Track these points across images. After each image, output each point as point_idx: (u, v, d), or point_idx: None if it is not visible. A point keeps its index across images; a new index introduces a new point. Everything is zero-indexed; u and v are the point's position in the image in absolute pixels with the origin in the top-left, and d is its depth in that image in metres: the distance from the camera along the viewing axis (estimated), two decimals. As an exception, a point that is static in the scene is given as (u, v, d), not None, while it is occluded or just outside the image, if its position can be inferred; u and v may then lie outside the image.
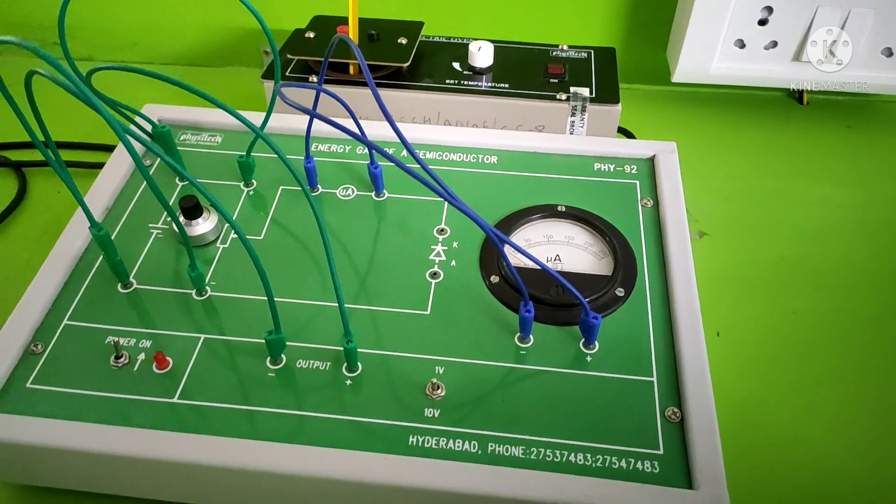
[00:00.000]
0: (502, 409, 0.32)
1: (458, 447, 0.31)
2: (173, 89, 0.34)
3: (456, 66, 0.52)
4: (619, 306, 0.36)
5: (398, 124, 0.46)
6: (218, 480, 0.31)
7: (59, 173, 0.33)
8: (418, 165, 0.31)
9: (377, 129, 0.41)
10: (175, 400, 0.33)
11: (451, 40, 0.55)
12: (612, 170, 0.43)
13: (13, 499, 0.36)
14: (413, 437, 0.31)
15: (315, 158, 0.42)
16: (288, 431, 0.32)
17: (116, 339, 0.35)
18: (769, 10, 0.54)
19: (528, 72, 0.52)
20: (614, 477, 0.30)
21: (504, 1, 0.61)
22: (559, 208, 0.41)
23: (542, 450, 0.31)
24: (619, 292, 0.37)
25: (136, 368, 0.34)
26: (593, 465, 0.30)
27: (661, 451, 0.31)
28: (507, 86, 0.50)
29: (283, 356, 0.34)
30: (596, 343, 0.35)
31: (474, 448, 0.31)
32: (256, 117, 0.42)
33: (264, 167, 0.43)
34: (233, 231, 0.40)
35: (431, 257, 0.39)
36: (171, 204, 0.41)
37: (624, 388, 0.33)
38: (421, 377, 0.33)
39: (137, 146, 0.42)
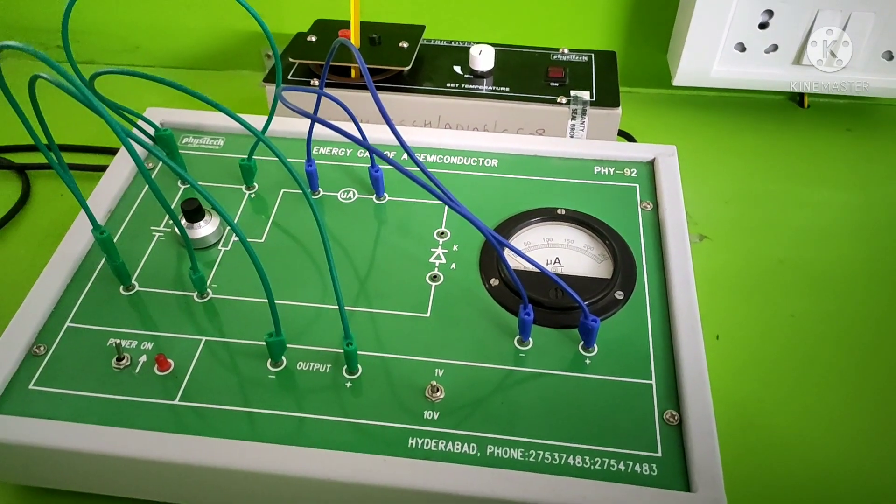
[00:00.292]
0: (501, 412, 0.32)
1: (458, 449, 0.31)
2: (176, 92, 0.35)
3: (457, 69, 0.52)
4: (618, 309, 0.36)
5: (399, 128, 0.46)
6: (218, 482, 0.31)
7: (62, 176, 0.33)
8: (418, 169, 0.32)
9: (378, 133, 0.41)
10: (176, 402, 0.33)
11: (453, 44, 0.55)
12: (612, 173, 0.44)
13: (15, 499, 0.36)
14: (412, 440, 0.31)
15: (316, 161, 0.43)
16: (288, 433, 0.32)
17: (118, 341, 0.35)
18: (769, 13, 0.54)
19: (528, 75, 0.52)
20: (612, 479, 0.30)
21: (505, 4, 0.61)
22: (559, 211, 0.41)
23: (541, 452, 0.31)
24: (619, 295, 0.37)
25: (137, 370, 0.34)
26: (592, 467, 0.30)
27: (659, 454, 0.31)
28: (507, 89, 0.50)
29: (283, 358, 0.34)
30: (595, 346, 0.35)
31: (473, 450, 0.31)
32: (258, 121, 0.42)
33: (266, 170, 0.43)
34: (234, 234, 0.40)
35: (432, 260, 0.39)
36: (173, 207, 0.42)
37: (623, 391, 0.33)
38: (420, 379, 0.34)
39: (140, 150, 0.42)
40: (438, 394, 0.33)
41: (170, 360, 0.34)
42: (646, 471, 0.30)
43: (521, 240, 0.40)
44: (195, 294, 0.37)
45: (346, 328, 0.32)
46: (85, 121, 0.46)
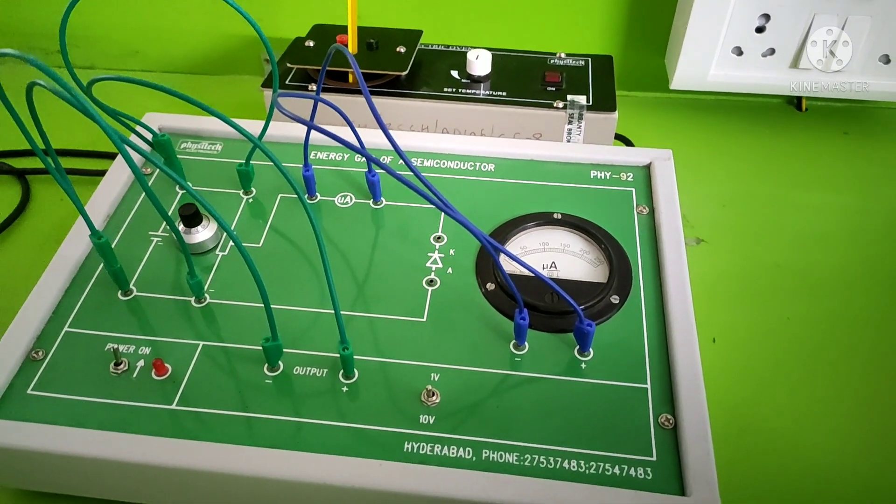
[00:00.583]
0: (497, 416, 0.32)
1: (453, 454, 0.31)
2: (175, 97, 0.35)
3: (454, 74, 0.53)
4: (613, 313, 0.37)
5: (396, 132, 0.46)
6: (216, 486, 0.32)
7: (60, 182, 0.33)
8: (414, 175, 0.32)
9: (375, 137, 0.41)
10: (174, 406, 0.33)
11: (450, 48, 0.56)
12: (608, 177, 0.44)
13: (14, 504, 0.36)
14: (408, 444, 0.32)
15: (314, 166, 0.43)
16: (285, 437, 0.32)
17: (116, 345, 0.35)
18: (766, 17, 0.55)
19: (525, 80, 0.52)
20: (607, 483, 0.30)
21: (502, 9, 0.61)
22: (555, 216, 0.41)
23: (536, 456, 0.31)
24: (614, 299, 0.37)
25: (135, 375, 0.34)
26: (587, 471, 0.31)
27: (654, 458, 0.31)
28: (504, 94, 0.51)
29: (280, 363, 0.35)
30: (590, 350, 0.35)
31: (469, 454, 0.31)
32: (256, 126, 0.42)
33: (263, 175, 0.44)
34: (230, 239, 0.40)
35: (428, 265, 0.39)
36: (171, 211, 0.42)
37: (618, 395, 0.33)
38: (416, 384, 0.34)
39: (137, 156, 0.42)
40: (434, 398, 0.33)
41: (167, 365, 0.34)
42: (641, 475, 0.30)
43: (517, 244, 0.40)
44: (193, 299, 0.37)
45: (342, 333, 0.32)
46: (84, 125, 0.46)
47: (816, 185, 0.56)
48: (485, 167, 0.44)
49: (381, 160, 0.44)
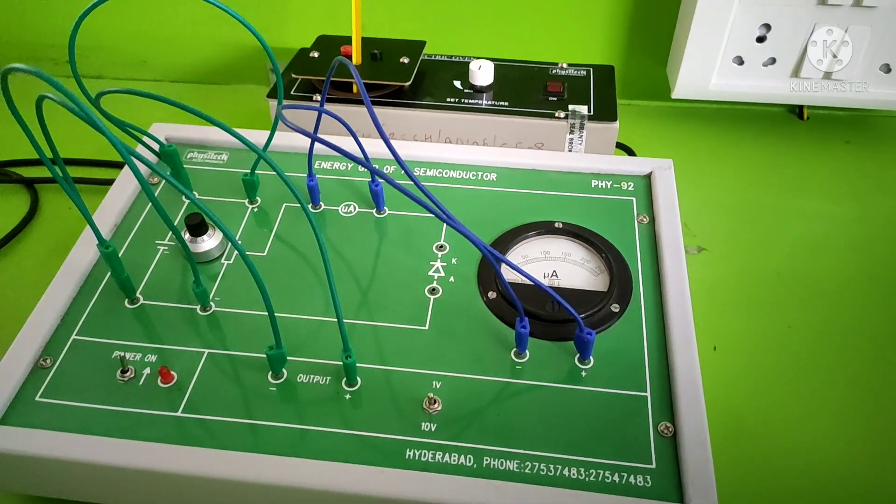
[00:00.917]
0: (498, 424, 0.33)
1: (454, 461, 0.32)
2: (182, 107, 0.36)
3: (457, 84, 0.53)
4: (614, 322, 0.37)
5: (400, 142, 0.47)
6: (220, 492, 0.32)
7: (69, 192, 0.34)
8: (417, 186, 0.32)
9: (379, 147, 0.41)
10: (179, 413, 0.33)
11: (453, 59, 0.56)
12: (609, 186, 0.44)
13: (22, 509, 0.37)
14: (410, 451, 0.32)
15: (318, 176, 0.43)
16: (289, 444, 0.32)
17: (123, 353, 0.36)
18: (767, 27, 0.55)
19: (527, 90, 0.52)
20: (607, 491, 0.30)
21: (505, 19, 0.62)
22: (556, 225, 0.41)
23: (537, 464, 0.31)
24: (615, 308, 0.37)
25: (141, 382, 0.35)
26: (587, 479, 0.31)
27: (653, 466, 0.31)
28: (506, 104, 0.51)
29: (284, 370, 0.35)
30: (591, 358, 0.35)
31: (470, 462, 0.32)
32: (262, 136, 0.43)
33: (268, 185, 0.44)
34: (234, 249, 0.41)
35: (430, 273, 0.39)
36: (178, 220, 0.43)
37: (618, 403, 0.34)
38: (418, 391, 0.34)
39: (144, 167, 0.43)
40: (436, 406, 0.33)
41: (173, 373, 0.35)
42: (640, 482, 0.31)
43: (518, 253, 0.40)
44: (198, 307, 0.38)
45: (345, 341, 0.33)
46: (92, 135, 0.46)
47: (818, 193, 0.56)
48: (487, 176, 0.45)
49: (384, 170, 0.45)
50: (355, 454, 0.32)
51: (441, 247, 0.41)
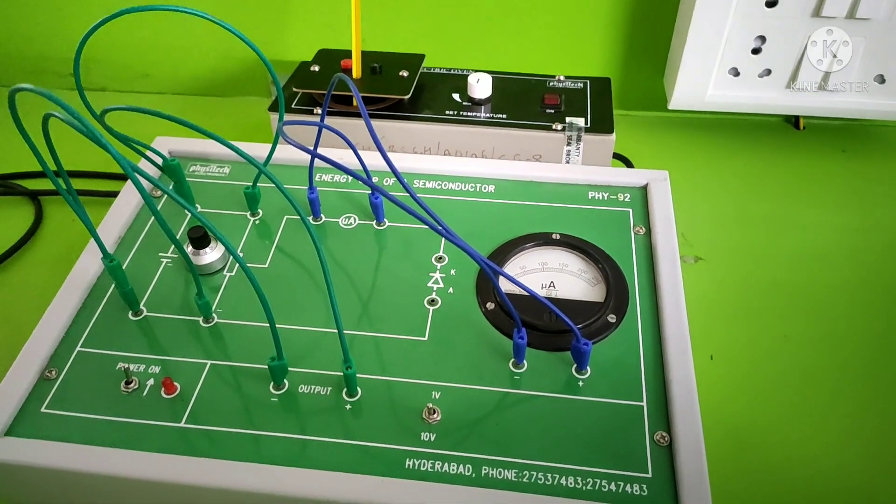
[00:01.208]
0: (496, 433, 0.33)
1: (454, 470, 0.32)
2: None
3: (455, 97, 0.54)
4: (610, 332, 0.37)
5: (399, 154, 0.48)
6: (223, 502, 0.32)
7: (73, 206, 0.34)
8: (415, 200, 0.33)
9: (380, 160, 0.42)
10: (182, 424, 0.34)
11: (451, 72, 0.57)
12: (605, 198, 0.45)
13: (27, 519, 0.37)
14: (410, 461, 0.32)
15: (318, 188, 0.44)
16: (290, 454, 0.33)
17: (127, 365, 0.36)
18: (762, 39, 0.56)
19: (525, 102, 0.53)
20: (604, 500, 0.31)
21: (503, 32, 0.63)
22: (554, 236, 0.42)
23: (535, 473, 0.32)
24: (611, 318, 0.38)
25: (145, 393, 0.35)
26: (583, 488, 0.31)
27: (649, 475, 0.32)
28: (504, 116, 0.52)
29: (285, 381, 0.35)
30: (588, 368, 0.36)
31: (468, 471, 0.32)
32: (264, 149, 0.43)
33: (270, 197, 0.45)
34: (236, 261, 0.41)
35: (430, 284, 0.40)
36: (181, 232, 0.43)
37: (614, 413, 0.34)
38: (418, 402, 0.35)
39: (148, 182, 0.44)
40: (435, 416, 0.34)
41: (176, 384, 0.35)
42: (636, 491, 0.31)
43: (516, 264, 0.41)
44: (201, 319, 0.38)
45: (345, 352, 0.33)
46: (97, 147, 0.47)
47: (814, 202, 0.57)
48: (485, 188, 0.46)
49: (383, 182, 0.45)
50: (356, 464, 0.32)
51: (440, 258, 0.41)
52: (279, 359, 0.34)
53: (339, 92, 0.52)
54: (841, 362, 0.45)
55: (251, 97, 0.69)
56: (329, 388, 0.35)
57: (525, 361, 0.36)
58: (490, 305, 0.39)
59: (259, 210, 0.44)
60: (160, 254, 0.42)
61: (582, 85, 0.55)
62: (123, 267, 0.38)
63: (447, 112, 0.52)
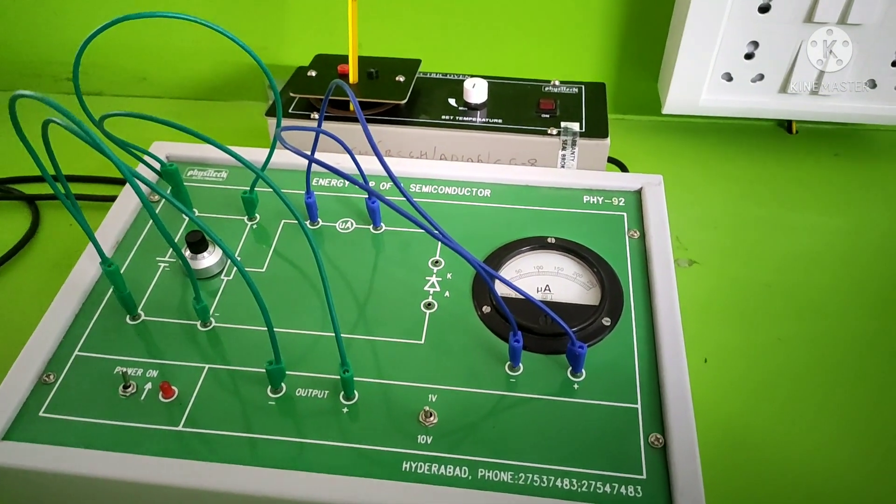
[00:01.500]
0: (492, 436, 0.34)
1: (450, 473, 0.32)
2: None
3: (451, 102, 0.54)
4: (605, 335, 0.38)
5: (395, 159, 0.48)
6: (221, 505, 0.33)
7: (71, 211, 0.35)
8: (411, 204, 0.33)
9: (376, 164, 0.43)
10: (180, 428, 0.34)
11: (447, 76, 0.57)
12: (600, 202, 0.45)
13: (25, 523, 0.37)
14: (406, 463, 0.33)
15: (316, 193, 0.44)
16: (288, 458, 0.33)
17: (125, 369, 0.36)
18: (755, 44, 0.56)
19: (520, 107, 0.54)
20: (598, 501, 0.31)
21: (499, 38, 0.63)
22: (549, 240, 0.42)
23: (530, 475, 0.32)
24: (606, 321, 0.38)
25: (143, 397, 0.35)
26: (579, 490, 0.32)
27: (643, 477, 0.32)
28: (500, 121, 0.52)
29: (283, 385, 0.36)
30: (583, 371, 0.36)
31: (465, 474, 0.32)
32: (261, 153, 0.43)
33: (267, 202, 0.45)
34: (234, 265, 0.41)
35: (426, 288, 0.40)
36: (178, 237, 0.43)
37: (609, 415, 0.34)
38: (414, 405, 0.35)
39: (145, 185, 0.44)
40: (432, 419, 0.34)
41: (174, 388, 0.35)
42: (631, 493, 0.31)
43: (512, 268, 0.41)
44: (199, 323, 0.39)
45: (342, 355, 0.34)
46: (94, 151, 0.48)
47: (807, 206, 0.57)
48: (481, 192, 0.46)
49: (380, 187, 0.46)
50: (353, 467, 0.33)
51: (436, 262, 0.42)
52: (277, 362, 0.34)
53: (336, 97, 0.52)
54: (834, 364, 0.45)
55: (248, 102, 0.69)
56: (326, 392, 0.35)
57: (521, 364, 0.36)
58: (486, 309, 0.39)
59: (256, 214, 0.45)
60: (158, 258, 0.42)
61: (577, 90, 0.56)
62: (121, 271, 0.38)
63: (443, 117, 0.53)
